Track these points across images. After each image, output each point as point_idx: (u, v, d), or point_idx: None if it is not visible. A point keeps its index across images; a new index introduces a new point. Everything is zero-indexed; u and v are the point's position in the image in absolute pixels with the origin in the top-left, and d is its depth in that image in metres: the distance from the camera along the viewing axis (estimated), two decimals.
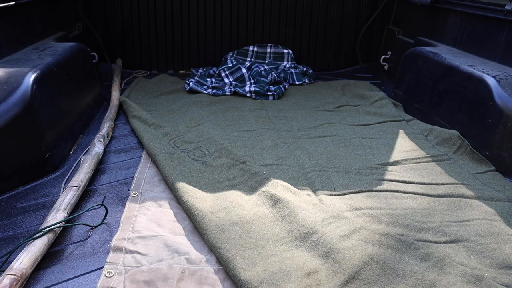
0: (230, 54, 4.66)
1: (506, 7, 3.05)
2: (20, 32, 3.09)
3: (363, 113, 3.42)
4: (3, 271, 1.52)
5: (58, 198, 2.01)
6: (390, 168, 2.50)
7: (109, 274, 1.61)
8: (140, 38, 4.67)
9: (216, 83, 4.09)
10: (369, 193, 2.23)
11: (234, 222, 1.88)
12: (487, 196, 2.20)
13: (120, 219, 1.96)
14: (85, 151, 2.65)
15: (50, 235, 1.73)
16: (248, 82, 3.96)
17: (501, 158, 2.50)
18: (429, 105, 3.24)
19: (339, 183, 2.31)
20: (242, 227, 1.85)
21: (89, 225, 1.93)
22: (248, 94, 3.78)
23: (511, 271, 1.65)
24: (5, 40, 2.87)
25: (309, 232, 1.80)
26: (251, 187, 2.21)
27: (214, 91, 3.84)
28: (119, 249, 1.74)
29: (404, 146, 2.79)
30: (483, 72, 2.80)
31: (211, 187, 2.23)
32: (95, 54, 4.28)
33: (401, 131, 3.03)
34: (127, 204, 2.09)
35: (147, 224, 1.93)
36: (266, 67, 4.25)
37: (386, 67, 4.60)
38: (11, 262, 1.55)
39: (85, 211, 2.01)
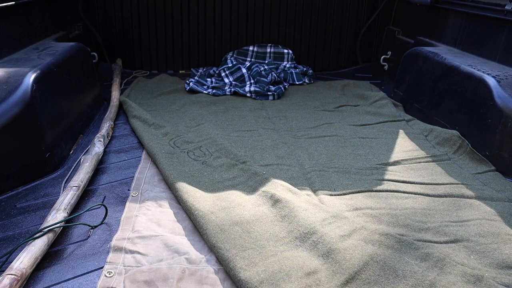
0: (230, 54, 4.66)
1: (506, 7, 3.05)
2: (20, 32, 3.09)
3: (363, 113, 3.42)
4: (3, 271, 1.52)
5: (58, 198, 2.01)
6: (390, 168, 2.50)
7: (109, 274, 1.61)
8: (140, 38, 4.67)
9: (216, 83, 4.09)
10: (369, 193, 2.23)
11: (234, 222, 1.88)
12: (487, 196, 2.20)
13: (120, 219, 1.96)
14: (85, 151, 2.65)
15: (50, 235, 1.73)
16: (248, 82, 3.96)
17: (501, 158, 2.50)
18: (429, 105, 3.24)
19: (339, 183, 2.31)
20: (242, 227, 1.85)
21: (89, 225, 1.93)
22: (248, 94, 3.78)
23: (511, 271, 1.65)
24: (5, 40, 2.87)
25: (309, 232, 1.80)
26: (251, 187, 2.21)
27: (214, 91, 3.84)
28: (119, 249, 1.74)
29: (404, 146, 2.79)
30: (483, 72, 2.80)
31: (211, 187, 2.23)
32: (95, 54, 4.28)
33: (401, 131, 3.03)
34: (127, 204, 2.09)
35: (147, 224, 1.93)
36: (266, 67, 4.25)
37: (386, 67, 4.60)
38: (11, 262, 1.55)
39: (85, 211, 2.01)
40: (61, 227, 1.82)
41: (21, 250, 1.62)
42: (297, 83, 4.26)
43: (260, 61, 4.60)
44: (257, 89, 3.79)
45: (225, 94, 3.82)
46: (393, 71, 4.25)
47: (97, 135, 2.74)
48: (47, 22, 3.55)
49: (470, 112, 2.78)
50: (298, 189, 2.21)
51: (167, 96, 3.79)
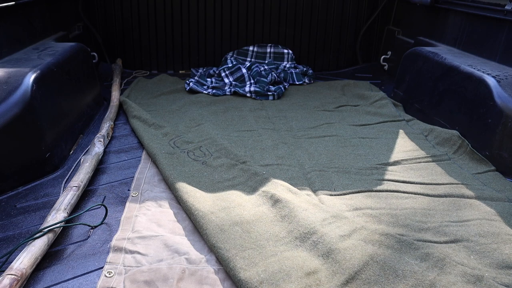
0: (230, 54, 4.66)
1: (506, 7, 3.05)
2: (20, 32, 3.09)
3: (363, 113, 3.42)
4: (3, 271, 1.52)
5: (58, 198, 2.01)
6: (390, 168, 2.50)
7: (109, 274, 1.61)
8: (140, 38, 4.67)
9: (216, 83, 4.09)
10: (369, 193, 2.23)
11: (234, 222, 1.88)
12: (487, 196, 2.20)
13: (120, 219, 1.96)
14: (85, 151, 2.65)
15: (50, 235, 1.73)
16: (248, 82, 3.96)
17: (501, 158, 2.50)
18: (429, 105, 3.24)
19: (339, 183, 2.31)
20: (242, 227, 1.85)
21: (89, 225, 1.93)
22: (248, 94, 3.78)
23: (511, 271, 1.65)
24: (5, 40, 2.87)
25: (309, 232, 1.80)
26: (251, 187, 2.21)
27: (214, 91, 3.84)
28: (119, 249, 1.74)
29: (404, 146, 2.79)
30: (483, 72, 2.80)
31: (211, 187, 2.23)
32: (95, 54, 4.28)
33: (401, 131, 3.03)
34: (127, 204, 2.09)
35: (147, 224, 1.93)
36: (266, 67, 4.25)
37: (386, 67, 4.60)
38: (11, 262, 1.55)
39: (85, 211, 2.01)
40: (61, 227, 1.82)
41: (21, 250, 1.62)
42: (297, 83, 4.26)
43: (260, 61, 4.60)
44: (257, 89, 3.79)
45: (225, 94, 3.82)
46: (393, 71, 4.25)
47: (97, 135, 2.74)
48: (47, 22, 3.55)
49: (470, 112, 2.78)
50: (298, 189, 2.21)
51: (167, 96, 3.79)
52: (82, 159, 2.41)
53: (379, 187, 2.28)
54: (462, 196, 2.20)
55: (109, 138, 2.86)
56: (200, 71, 4.51)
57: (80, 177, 2.17)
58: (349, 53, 4.99)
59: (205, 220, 1.88)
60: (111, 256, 1.71)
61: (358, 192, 2.23)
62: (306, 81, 4.32)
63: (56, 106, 2.66)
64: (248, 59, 4.62)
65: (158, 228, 1.91)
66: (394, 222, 1.96)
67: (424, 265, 1.64)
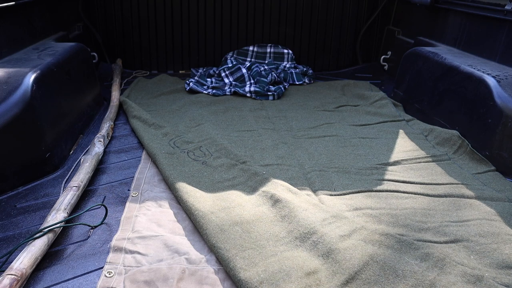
0: (230, 54, 4.66)
1: (506, 7, 3.05)
2: (20, 32, 3.09)
3: (363, 113, 3.42)
4: (3, 271, 1.52)
5: (58, 198, 2.01)
6: (390, 168, 2.50)
7: (109, 274, 1.61)
8: (140, 38, 4.67)
9: (216, 83, 4.09)
10: (369, 193, 2.23)
11: (234, 222, 1.88)
12: (487, 196, 2.20)
13: (120, 219, 1.96)
14: (85, 151, 2.65)
15: (50, 235, 1.73)
16: (248, 82, 3.96)
17: (501, 158, 2.50)
18: (429, 105, 3.24)
19: (339, 183, 2.31)
20: (242, 227, 1.85)
21: (89, 225, 1.93)
22: (248, 94, 3.78)
23: (511, 271, 1.65)
24: (5, 40, 2.87)
25: (309, 232, 1.80)
26: (251, 187, 2.21)
27: (214, 91, 3.84)
28: (119, 249, 1.74)
29: (404, 146, 2.79)
30: (483, 72, 2.80)
31: (211, 187, 2.23)
32: (95, 54, 4.28)
33: (401, 131, 3.03)
34: (127, 204, 2.09)
35: (147, 224, 1.93)
36: (266, 67, 4.25)
37: (386, 67, 4.60)
38: (11, 262, 1.55)
39: (85, 211, 2.01)
40: (61, 227, 1.82)
41: (21, 250, 1.62)
42: (297, 83, 4.26)
43: (260, 61, 4.60)
44: (257, 89, 3.79)
45: (225, 94, 3.82)
46: (393, 71, 4.25)
47: (97, 135, 2.74)
48: (47, 22, 3.55)
49: (470, 112, 2.78)
50: (298, 189, 2.21)
51: (167, 96, 3.79)
52: (82, 159, 2.41)
53: (379, 187, 2.28)
54: (462, 196, 2.20)
55: (109, 138, 2.86)
56: (200, 71, 4.51)
57: (80, 177, 2.17)
58: (349, 53, 4.99)
59: (205, 220, 1.88)
60: (111, 256, 1.71)
61: (358, 192, 2.23)
62: (306, 81, 4.32)
63: (56, 106, 2.66)
64: (248, 59, 4.62)
65: (158, 228, 1.91)
66: (394, 222, 1.96)
67: (424, 265, 1.64)
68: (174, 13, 4.61)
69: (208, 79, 4.18)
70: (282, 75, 4.25)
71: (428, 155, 2.64)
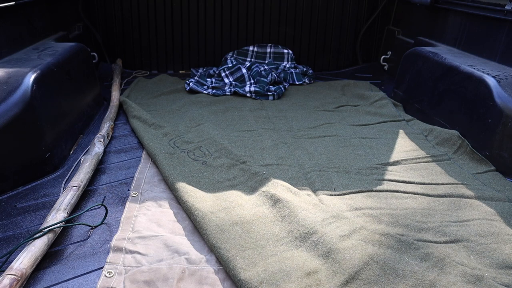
0: (230, 54, 4.66)
1: (506, 7, 3.05)
2: (20, 32, 3.09)
3: (363, 113, 3.42)
4: (3, 271, 1.52)
5: (58, 198, 2.01)
6: (390, 168, 2.50)
7: (109, 274, 1.61)
8: (140, 38, 4.67)
9: (216, 83, 4.09)
10: (369, 193, 2.23)
11: (234, 222, 1.88)
12: (487, 196, 2.20)
13: (120, 219, 1.96)
14: (85, 151, 2.65)
15: (50, 235, 1.73)
16: (248, 82, 3.96)
17: (501, 158, 2.50)
18: (429, 105, 3.24)
19: (339, 183, 2.31)
20: (242, 227, 1.85)
21: (89, 225, 1.93)
22: (248, 94, 3.78)
23: (511, 271, 1.65)
24: (5, 40, 2.87)
25: (309, 232, 1.80)
26: (251, 187, 2.21)
27: (214, 91, 3.84)
28: (119, 249, 1.74)
29: (404, 146, 2.79)
30: (483, 72, 2.80)
31: (211, 187, 2.23)
32: (95, 54, 4.28)
33: (401, 131, 3.03)
34: (127, 204, 2.09)
35: (147, 224, 1.93)
36: (266, 67, 4.25)
37: (386, 67, 4.60)
38: (11, 262, 1.55)
39: (85, 211, 2.01)
40: (61, 227, 1.82)
41: (21, 250, 1.62)
42: (297, 83, 4.26)
43: (260, 61, 4.60)
44: (257, 89, 3.79)
45: (225, 94, 3.82)
46: (393, 71, 4.25)
47: (97, 135, 2.74)
48: (47, 22, 3.55)
49: (470, 112, 2.78)
50: (298, 189, 2.21)
51: (167, 96, 3.79)
52: (82, 159, 2.41)
53: (379, 187, 2.28)
54: (462, 196, 2.20)
55: (109, 138, 2.86)
56: (200, 71, 4.51)
57: (80, 177, 2.17)
58: (349, 53, 4.99)
59: (205, 220, 1.88)
60: (111, 256, 1.71)
61: (358, 192, 2.24)
62: (306, 81, 4.32)
63: (56, 106, 2.66)
64: (248, 59, 4.62)
65: (158, 228, 1.91)
66: (394, 222, 1.96)
67: (424, 265, 1.64)
68: (174, 13, 4.61)
69: (208, 79, 4.18)
70: (282, 75, 4.25)
71: (428, 155, 2.64)
